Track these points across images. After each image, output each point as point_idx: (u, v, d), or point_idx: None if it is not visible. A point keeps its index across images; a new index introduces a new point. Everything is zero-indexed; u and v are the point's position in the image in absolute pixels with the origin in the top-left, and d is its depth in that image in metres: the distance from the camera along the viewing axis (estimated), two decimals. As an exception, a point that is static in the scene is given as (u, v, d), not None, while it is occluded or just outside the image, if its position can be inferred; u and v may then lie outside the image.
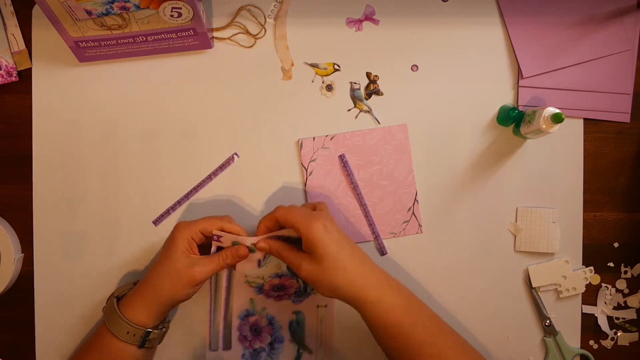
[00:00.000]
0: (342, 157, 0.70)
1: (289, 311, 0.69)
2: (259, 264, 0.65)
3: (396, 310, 0.58)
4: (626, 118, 0.71)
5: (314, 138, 0.70)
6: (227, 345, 0.69)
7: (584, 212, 0.71)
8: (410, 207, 0.70)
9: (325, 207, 0.64)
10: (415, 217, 0.70)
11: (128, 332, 0.60)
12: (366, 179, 0.70)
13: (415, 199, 0.70)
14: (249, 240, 0.62)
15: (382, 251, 0.70)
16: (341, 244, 0.59)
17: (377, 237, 0.70)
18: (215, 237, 0.63)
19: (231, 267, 0.65)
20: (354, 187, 0.70)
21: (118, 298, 0.63)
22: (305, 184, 0.70)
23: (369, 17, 0.71)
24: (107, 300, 0.64)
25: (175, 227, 0.63)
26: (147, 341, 0.62)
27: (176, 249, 0.62)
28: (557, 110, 0.61)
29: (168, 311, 0.63)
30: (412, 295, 0.61)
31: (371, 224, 0.70)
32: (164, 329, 0.64)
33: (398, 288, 0.60)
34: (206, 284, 0.69)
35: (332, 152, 0.70)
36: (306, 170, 0.70)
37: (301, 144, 0.70)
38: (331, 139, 0.70)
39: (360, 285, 0.58)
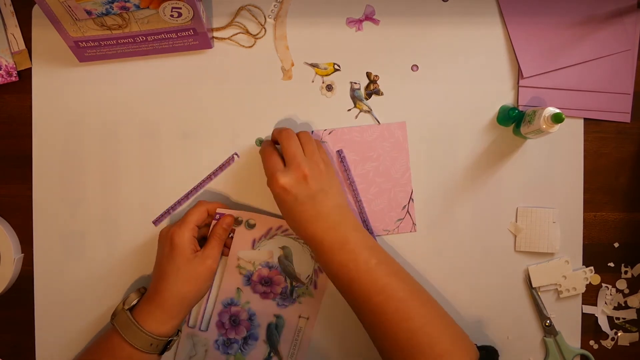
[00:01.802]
0: (339, 152, 0.70)
1: (270, 312, 0.69)
2: (254, 244, 0.67)
3: (367, 263, 0.60)
4: (626, 118, 0.71)
5: (312, 132, 0.70)
6: (205, 327, 0.69)
7: (584, 212, 0.71)
8: (405, 206, 0.70)
9: (322, 150, 0.65)
10: (410, 215, 0.70)
11: (151, 344, 0.61)
12: (362, 175, 0.70)
13: (410, 198, 0.70)
14: (247, 215, 0.67)
15: None
16: (299, 202, 0.60)
17: (371, 233, 0.70)
18: (217, 216, 0.66)
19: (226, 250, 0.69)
20: (350, 183, 0.70)
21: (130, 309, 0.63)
22: None
23: (369, 17, 0.71)
24: (117, 312, 0.64)
25: (173, 234, 0.64)
26: (168, 348, 0.64)
27: (184, 253, 0.63)
28: (557, 110, 0.61)
29: (189, 313, 0.66)
30: (382, 251, 0.63)
31: (365, 221, 0.70)
32: (179, 333, 0.67)
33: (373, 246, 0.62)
34: None
35: (329, 147, 0.70)
36: None
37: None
38: (329, 133, 0.70)
39: (339, 239, 0.60)
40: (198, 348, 0.69)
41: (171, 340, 0.64)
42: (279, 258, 0.68)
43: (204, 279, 0.64)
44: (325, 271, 0.62)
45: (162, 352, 0.63)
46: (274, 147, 0.65)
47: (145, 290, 0.66)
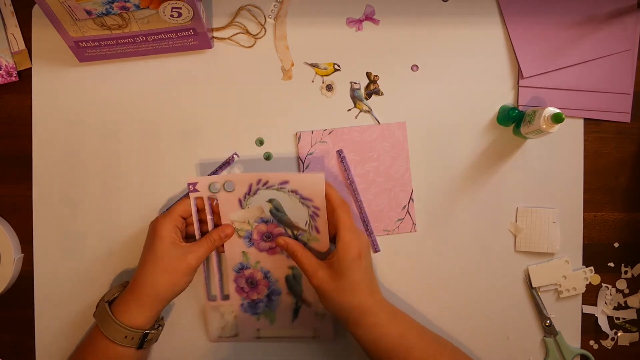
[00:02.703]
0: (339, 152, 0.70)
1: (284, 266, 0.69)
2: (241, 204, 0.66)
3: (389, 336, 0.60)
4: (626, 118, 0.71)
5: (312, 131, 0.70)
6: (225, 296, 0.70)
7: (584, 212, 0.71)
8: (405, 206, 0.70)
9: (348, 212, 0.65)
10: (410, 215, 0.70)
11: (126, 337, 0.60)
12: (362, 175, 0.70)
13: (410, 198, 0.70)
14: (222, 179, 0.65)
15: (375, 248, 0.70)
16: (364, 273, 0.61)
17: (370, 233, 0.70)
18: (191, 187, 0.65)
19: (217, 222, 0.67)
20: (350, 183, 0.70)
21: (109, 302, 0.63)
22: None
23: (369, 17, 0.71)
24: (98, 305, 0.64)
25: (155, 223, 0.64)
26: (146, 342, 0.62)
27: (163, 242, 0.62)
28: (557, 110, 0.61)
29: (165, 306, 0.63)
30: (410, 322, 0.63)
31: (365, 221, 0.70)
32: (160, 328, 0.65)
33: (394, 314, 0.62)
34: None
35: (329, 147, 0.70)
36: (303, 163, 0.70)
37: (299, 136, 0.70)
38: (329, 133, 0.70)
39: (361, 310, 0.60)
40: (227, 317, 0.69)
41: (148, 334, 0.62)
42: (270, 212, 0.67)
43: (181, 273, 0.62)
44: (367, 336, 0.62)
45: (140, 346, 0.62)
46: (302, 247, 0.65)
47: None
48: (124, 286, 0.65)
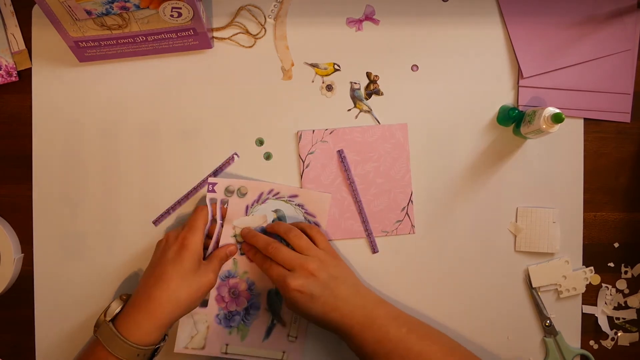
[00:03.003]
0: (340, 152, 0.70)
1: (269, 280, 0.69)
2: (247, 210, 0.68)
3: (392, 341, 0.60)
4: (626, 118, 0.71)
5: (313, 131, 0.70)
6: (204, 303, 0.69)
7: (584, 212, 0.71)
8: (404, 207, 0.70)
9: (320, 237, 0.66)
10: (409, 217, 0.70)
11: (138, 355, 0.59)
12: (362, 176, 0.70)
13: (410, 199, 0.70)
14: (239, 183, 0.68)
15: (373, 249, 0.70)
16: (316, 297, 0.61)
17: (369, 234, 0.70)
18: (210, 187, 0.67)
19: (221, 224, 0.68)
20: (350, 183, 0.70)
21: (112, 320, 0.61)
22: (302, 177, 0.70)
23: (369, 17, 0.71)
24: (98, 324, 0.62)
25: (186, 237, 0.63)
26: (155, 354, 0.62)
27: (195, 258, 0.62)
28: (557, 110, 0.61)
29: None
30: (415, 323, 0.63)
31: (364, 221, 0.70)
32: (166, 338, 0.64)
33: (397, 316, 0.63)
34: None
35: (330, 146, 0.70)
36: (303, 162, 0.70)
37: (300, 135, 0.70)
38: (330, 133, 0.70)
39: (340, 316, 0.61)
40: (199, 326, 0.68)
41: (158, 347, 0.62)
42: (273, 221, 0.68)
43: (203, 292, 0.62)
44: (361, 354, 0.61)
45: (151, 359, 0.61)
46: (267, 259, 0.65)
47: (128, 297, 0.64)
48: (123, 300, 0.63)
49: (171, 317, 0.60)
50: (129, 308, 0.61)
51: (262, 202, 0.68)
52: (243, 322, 0.69)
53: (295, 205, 0.69)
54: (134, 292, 0.63)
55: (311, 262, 0.62)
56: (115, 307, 0.62)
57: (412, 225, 0.70)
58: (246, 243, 0.68)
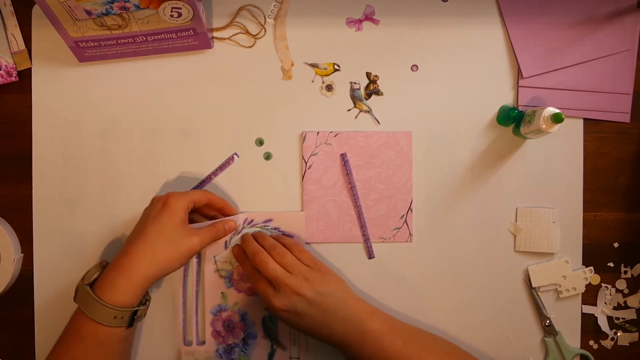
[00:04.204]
0: (343, 156, 0.70)
1: (260, 307, 0.69)
2: (226, 245, 0.68)
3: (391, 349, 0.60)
4: (626, 118, 0.71)
5: (317, 133, 0.70)
6: (201, 342, 0.69)
7: (584, 212, 0.71)
8: (403, 215, 0.70)
9: (303, 255, 0.65)
10: (407, 225, 0.70)
11: (115, 317, 0.58)
12: (364, 181, 0.70)
13: (409, 208, 0.70)
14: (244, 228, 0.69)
15: (370, 254, 0.70)
16: (302, 315, 0.61)
17: (367, 239, 0.70)
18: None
19: (201, 255, 0.69)
20: (351, 187, 0.70)
21: (90, 284, 0.60)
22: (303, 177, 0.70)
23: (369, 17, 0.71)
24: (77, 290, 0.61)
25: (169, 197, 0.62)
26: (135, 319, 0.61)
27: (173, 217, 0.61)
28: (557, 110, 0.61)
29: (152, 285, 0.62)
30: (412, 331, 0.63)
31: (362, 226, 0.70)
32: (147, 303, 0.64)
33: (393, 325, 0.62)
34: (178, 275, 0.69)
35: (334, 149, 0.70)
36: (306, 163, 0.70)
37: (304, 136, 0.70)
38: (335, 136, 0.70)
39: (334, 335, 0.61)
40: None
41: (137, 310, 0.61)
42: None
43: (182, 253, 0.61)
44: None
45: (130, 324, 0.60)
46: (256, 271, 0.64)
47: (107, 264, 0.63)
48: (103, 266, 0.63)
49: (147, 275, 0.59)
50: (107, 269, 0.61)
51: (239, 233, 0.69)
52: (243, 352, 0.69)
53: (272, 229, 0.69)
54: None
55: (295, 281, 0.61)
56: (94, 272, 0.62)
57: (410, 234, 0.70)
58: (237, 246, 0.68)
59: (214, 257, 0.68)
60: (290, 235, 0.69)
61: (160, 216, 0.61)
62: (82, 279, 0.62)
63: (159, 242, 0.60)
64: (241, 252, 0.67)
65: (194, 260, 0.69)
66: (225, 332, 0.69)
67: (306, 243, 0.70)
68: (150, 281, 0.60)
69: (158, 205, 0.63)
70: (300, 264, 0.63)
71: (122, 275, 0.59)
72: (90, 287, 0.59)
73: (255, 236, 0.67)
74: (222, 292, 0.69)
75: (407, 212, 0.70)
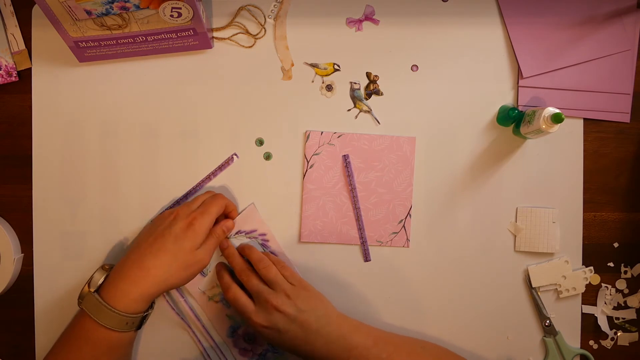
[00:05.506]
0: (345, 157, 0.70)
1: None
2: (203, 273, 0.69)
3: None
4: (626, 118, 0.71)
5: (321, 132, 0.70)
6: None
7: (584, 212, 0.71)
8: (402, 220, 0.70)
9: (287, 271, 0.65)
10: (405, 230, 0.70)
11: (127, 323, 0.59)
12: (365, 183, 0.70)
13: (408, 213, 0.70)
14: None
15: (366, 257, 0.70)
16: (283, 332, 0.61)
17: (364, 242, 0.70)
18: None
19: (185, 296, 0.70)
20: (352, 189, 0.70)
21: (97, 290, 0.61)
22: (304, 176, 0.70)
23: (369, 17, 0.71)
24: (82, 296, 0.62)
25: (196, 219, 0.62)
26: (144, 322, 0.62)
27: (196, 242, 0.62)
28: (557, 110, 0.61)
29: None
30: (398, 343, 0.63)
31: (360, 229, 0.70)
32: (154, 305, 0.65)
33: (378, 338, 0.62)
34: (170, 311, 0.70)
35: (337, 150, 0.70)
36: (307, 162, 0.70)
37: (308, 135, 0.70)
38: (338, 137, 0.70)
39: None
40: None
41: (147, 315, 0.62)
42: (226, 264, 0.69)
43: (192, 273, 0.63)
44: None
45: (138, 328, 0.62)
46: (235, 285, 0.65)
47: (111, 267, 0.64)
48: (106, 270, 0.63)
49: (158, 290, 0.61)
50: (115, 276, 0.61)
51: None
52: (276, 353, 0.69)
53: (234, 236, 0.69)
54: (121, 259, 0.63)
55: (276, 297, 0.61)
56: (99, 278, 0.62)
57: (407, 239, 0.70)
58: (220, 264, 0.69)
59: (198, 288, 0.69)
60: (252, 231, 0.69)
61: (183, 239, 0.62)
62: (88, 284, 0.62)
63: (176, 265, 0.61)
64: (221, 268, 0.68)
65: (180, 299, 0.69)
66: (250, 345, 0.69)
67: (302, 242, 0.70)
68: (161, 293, 0.62)
69: (182, 224, 0.62)
70: (284, 281, 0.63)
71: (134, 287, 0.60)
72: (97, 292, 0.60)
73: (243, 248, 0.67)
74: (226, 315, 0.69)
75: (406, 218, 0.70)
